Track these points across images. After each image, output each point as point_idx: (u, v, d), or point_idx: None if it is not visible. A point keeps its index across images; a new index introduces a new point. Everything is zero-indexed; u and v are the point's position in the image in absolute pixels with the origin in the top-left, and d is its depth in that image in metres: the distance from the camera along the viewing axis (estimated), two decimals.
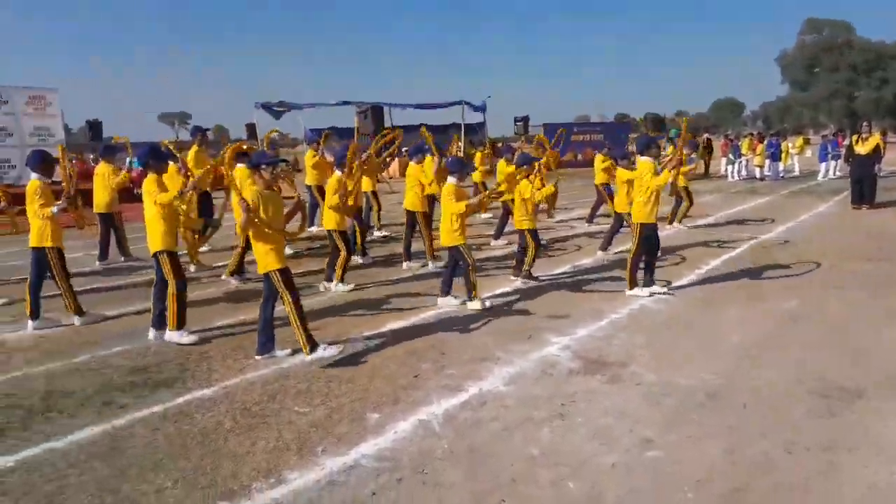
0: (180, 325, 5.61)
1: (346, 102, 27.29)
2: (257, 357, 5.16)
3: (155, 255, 5.62)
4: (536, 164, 7.66)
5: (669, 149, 21.06)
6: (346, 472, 3.49)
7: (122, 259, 9.39)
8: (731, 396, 4.36)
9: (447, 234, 6.45)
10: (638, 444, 3.75)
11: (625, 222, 8.75)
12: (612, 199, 10.25)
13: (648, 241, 6.87)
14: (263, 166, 5.10)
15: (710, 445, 3.71)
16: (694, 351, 5.26)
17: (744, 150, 22.04)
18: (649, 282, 6.98)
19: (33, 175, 6.13)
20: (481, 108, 29.38)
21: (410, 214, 8.70)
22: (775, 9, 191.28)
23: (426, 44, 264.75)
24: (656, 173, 6.72)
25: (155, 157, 5.72)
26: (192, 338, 5.61)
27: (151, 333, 5.74)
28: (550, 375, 4.80)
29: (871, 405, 4.17)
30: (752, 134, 26.03)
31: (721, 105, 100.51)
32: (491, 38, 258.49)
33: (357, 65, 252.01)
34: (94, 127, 27.88)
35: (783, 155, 22.01)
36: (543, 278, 7.80)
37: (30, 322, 6.13)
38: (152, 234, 5.60)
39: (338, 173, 7.36)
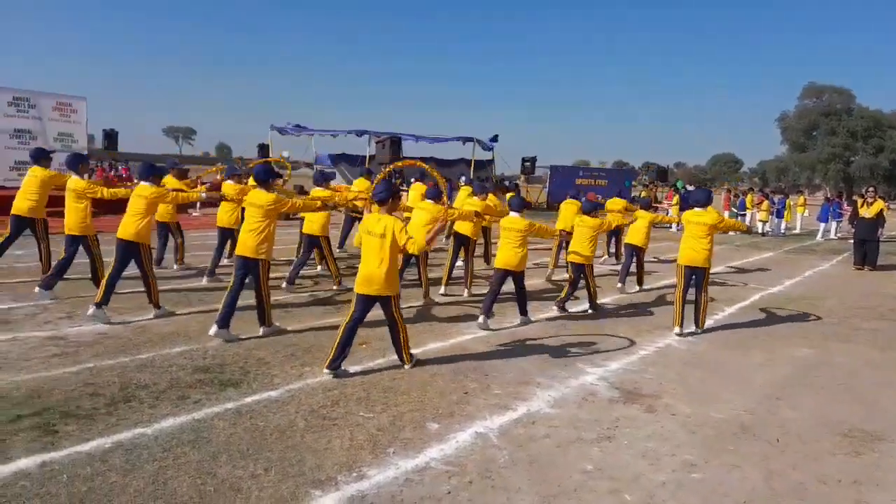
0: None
1: (361, 132, 27.93)
2: (326, 371, 5.37)
3: (257, 261, 6.14)
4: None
5: (675, 198, 21.84)
6: (420, 473, 3.80)
7: (175, 266, 9.69)
8: (763, 431, 4.71)
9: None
10: (682, 466, 4.09)
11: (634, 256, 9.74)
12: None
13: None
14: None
15: (750, 472, 4.05)
16: (721, 388, 5.62)
17: (748, 206, 22.65)
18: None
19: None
20: (490, 147, 30.11)
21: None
22: (777, 71, 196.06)
23: (436, 79, 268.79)
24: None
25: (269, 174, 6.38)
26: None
27: (213, 329, 6.09)
28: (592, 402, 5.14)
29: (894, 447, 4.52)
30: (752, 189, 26.78)
31: (719, 159, 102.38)
32: (498, 79, 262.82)
33: (367, 100, 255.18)
34: (110, 137, 28.27)
35: (786, 212, 22.63)
36: (573, 312, 8.17)
37: (93, 307, 6.45)
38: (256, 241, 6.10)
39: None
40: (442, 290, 8.93)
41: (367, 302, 5.47)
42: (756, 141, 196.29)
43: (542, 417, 4.76)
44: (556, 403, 5.05)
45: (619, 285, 9.83)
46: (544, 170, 33.50)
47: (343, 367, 5.41)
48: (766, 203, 21.97)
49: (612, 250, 13.16)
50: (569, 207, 10.67)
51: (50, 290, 7.38)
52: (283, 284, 8.46)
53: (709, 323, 8.05)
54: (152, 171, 6.97)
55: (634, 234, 9.79)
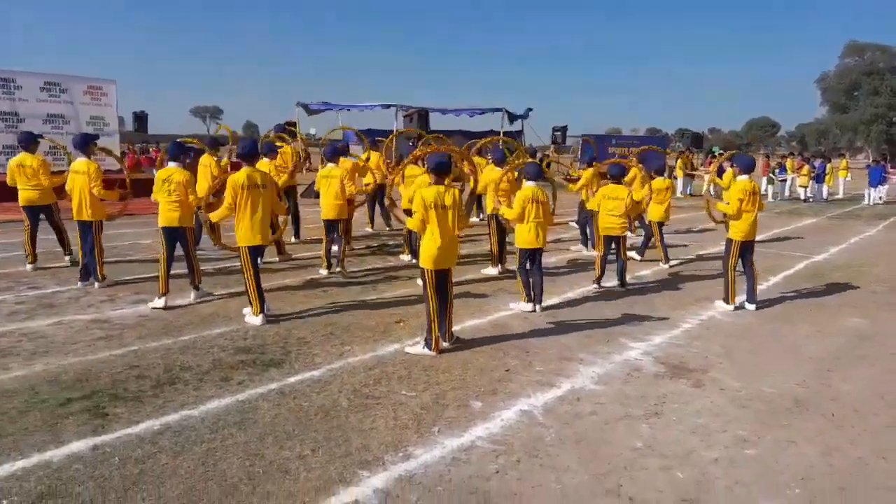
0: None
1: (387, 105, 27.73)
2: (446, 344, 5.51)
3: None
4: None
5: (712, 165, 21.30)
6: (467, 452, 3.76)
7: (214, 246, 9.75)
8: (817, 405, 4.57)
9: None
10: (735, 442, 3.98)
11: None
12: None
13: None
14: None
15: (806, 448, 3.92)
16: (771, 361, 5.46)
17: (788, 171, 22.03)
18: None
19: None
20: (521, 116, 29.66)
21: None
22: (815, 30, 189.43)
23: (469, 55, 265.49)
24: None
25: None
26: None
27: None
28: (637, 378, 5.03)
29: None
30: (792, 154, 26.01)
31: (755, 124, 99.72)
32: (529, 50, 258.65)
33: (397, 71, 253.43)
34: (140, 119, 28.53)
35: (828, 177, 21.95)
36: (609, 287, 8.02)
37: (161, 298, 6.60)
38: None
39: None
40: (499, 268, 8.67)
41: (443, 276, 5.42)
42: (794, 104, 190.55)
43: (587, 394, 4.68)
44: (600, 380, 4.96)
45: (639, 258, 9.73)
46: (576, 139, 33.02)
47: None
48: (806, 168, 21.34)
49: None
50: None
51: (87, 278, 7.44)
52: (321, 271, 8.34)
53: None
54: (181, 150, 6.91)
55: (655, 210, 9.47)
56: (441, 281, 5.43)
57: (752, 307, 7.06)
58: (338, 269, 8.26)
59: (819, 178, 21.55)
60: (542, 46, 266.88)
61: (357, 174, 9.68)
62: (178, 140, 7.66)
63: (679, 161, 23.37)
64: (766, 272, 9.11)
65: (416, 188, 6.46)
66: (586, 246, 10.49)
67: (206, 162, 9.16)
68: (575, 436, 4.01)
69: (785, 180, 22.30)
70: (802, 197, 21.48)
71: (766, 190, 22.69)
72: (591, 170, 9.99)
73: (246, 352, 5.34)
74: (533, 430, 4.07)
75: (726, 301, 7.07)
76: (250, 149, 6.17)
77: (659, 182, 9.35)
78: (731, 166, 7.52)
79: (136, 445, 3.70)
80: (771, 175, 22.48)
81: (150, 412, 4.14)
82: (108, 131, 20.03)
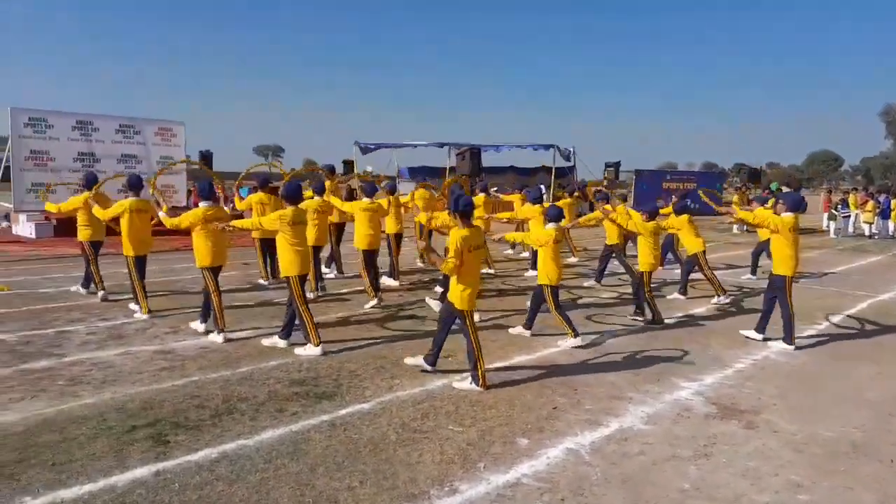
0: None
1: (441, 144, 28.25)
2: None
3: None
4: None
5: (770, 201, 20.82)
6: (512, 489, 3.80)
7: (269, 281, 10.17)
8: (875, 450, 4.43)
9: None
10: (788, 486, 3.90)
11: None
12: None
13: None
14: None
15: (863, 495, 3.82)
16: (828, 404, 5.32)
17: (851, 206, 21.34)
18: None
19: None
20: (566, 155, 29.71)
21: None
22: (879, 61, 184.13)
23: (516, 85, 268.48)
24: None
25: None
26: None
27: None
28: (687, 418, 4.98)
29: None
30: (856, 189, 25.20)
31: (816, 158, 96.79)
32: (581, 82, 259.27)
33: (447, 105, 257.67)
34: (206, 157, 29.86)
35: (893, 213, 21.15)
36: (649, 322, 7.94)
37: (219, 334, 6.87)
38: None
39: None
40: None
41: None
42: (857, 137, 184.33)
43: (635, 434, 4.65)
44: (649, 419, 4.92)
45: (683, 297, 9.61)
46: (629, 174, 32.80)
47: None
48: (870, 203, 20.63)
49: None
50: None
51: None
52: (368, 305, 8.58)
53: (810, 333, 7.67)
54: (210, 191, 7.08)
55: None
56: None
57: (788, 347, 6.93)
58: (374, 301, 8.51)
59: (885, 214, 20.78)
60: (592, 86, 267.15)
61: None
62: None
63: (735, 197, 22.93)
64: (826, 311, 8.86)
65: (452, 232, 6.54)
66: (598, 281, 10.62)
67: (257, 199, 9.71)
68: (621, 476, 4.00)
69: (848, 216, 21.57)
70: (867, 233, 20.72)
71: (827, 226, 22.00)
72: (621, 206, 10.03)
73: (300, 384, 5.52)
74: (579, 469, 4.08)
75: (788, 342, 6.90)
76: (294, 190, 6.57)
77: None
78: (777, 202, 7.41)
79: (195, 472, 3.88)
80: (833, 211, 21.79)
81: (209, 440, 4.34)
82: (177, 170, 21.05)
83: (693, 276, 9.77)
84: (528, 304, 7.30)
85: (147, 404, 4.97)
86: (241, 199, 10.10)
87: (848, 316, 8.71)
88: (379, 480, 3.84)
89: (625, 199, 10.47)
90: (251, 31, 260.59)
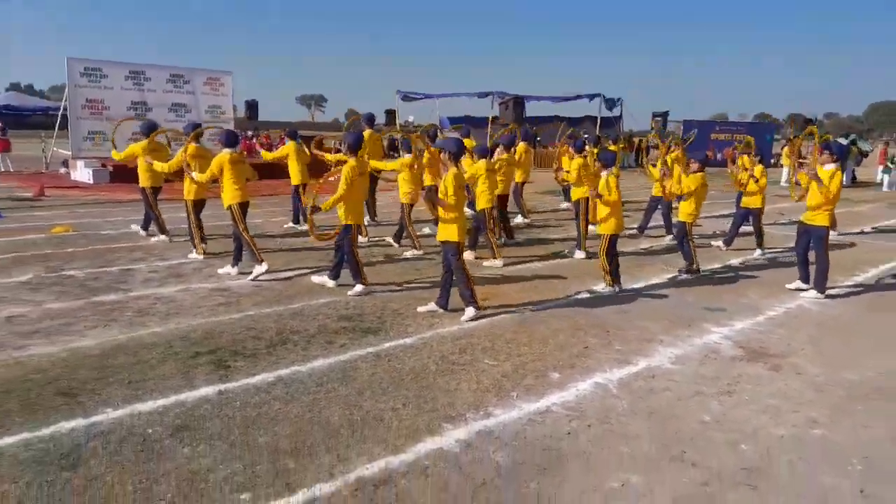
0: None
1: (485, 94, 28.09)
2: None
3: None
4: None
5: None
6: (542, 415, 4.10)
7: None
8: None
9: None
10: (805, 422, 4.10)
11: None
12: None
13: None
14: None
15: (876, 431, 4.00)
16: (857, 351, 5.45)
17: None
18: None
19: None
20: (612, 105, 29.21)
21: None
22: None
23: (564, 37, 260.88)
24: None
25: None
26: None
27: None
28: (714, 360, 5.19)
29: None
30: None
31: (879, 108, 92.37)
32: (630, 35, 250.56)
33: (493, 56, 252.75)
34: (252, 107, 30.31)
35: None
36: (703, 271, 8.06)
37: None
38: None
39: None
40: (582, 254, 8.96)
41: None
42: None
43: (662, 372, 4.89)
44: (677, 360, 5.15)
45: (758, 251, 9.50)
46: (677, 124, 32.11)
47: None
48: None
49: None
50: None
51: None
52: (409, 253, 8.82)
53: (848, 284, 7.72)
54: (234, 139, 7.55)
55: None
56: None
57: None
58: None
59: None
60: (646, 30, 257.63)
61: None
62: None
63: (785, 149, 22.29)
64: (868, 263, 8.83)
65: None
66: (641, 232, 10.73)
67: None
68: (647, 409, 4.26)
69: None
70: None
71: (881, 179, 21.34)
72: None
73: (347, 319, 5.89)
74: (606, 402, 4.35)
75: (821, 290, 6.98)
76: (357, 140, 6.78)
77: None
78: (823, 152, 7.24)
79: (253, 393, 4.29)
80: (889, 164, 21.09)
81: (265, 367, 4.74)
82: (225, 119, 21.53)
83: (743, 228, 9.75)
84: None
85: (208, 334, 5.41)
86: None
87: (890, 269, 8.65)
88: (420, 404, 4.19)
89: (683, 145, 10.35)
90: None
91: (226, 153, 7.24)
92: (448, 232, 5.96)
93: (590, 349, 5.34)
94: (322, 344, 5.25)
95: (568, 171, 9.71)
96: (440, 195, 5.93)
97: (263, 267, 7.26)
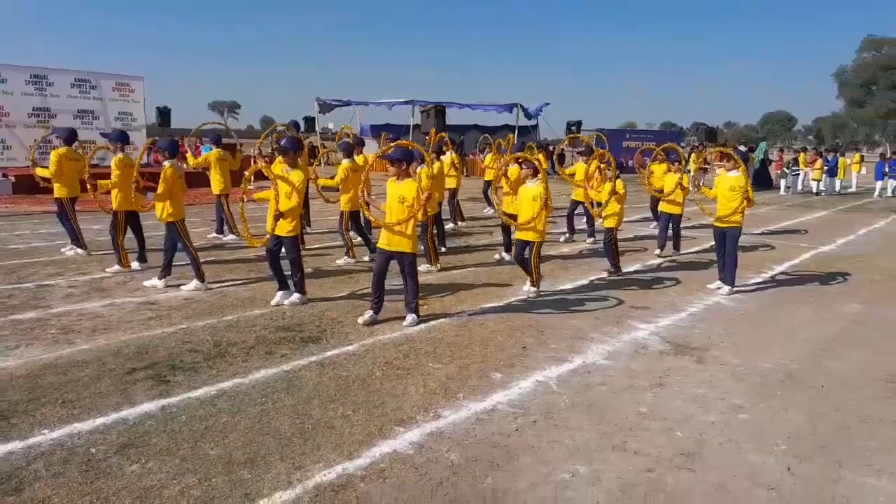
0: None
1: (407, 102, 28.20)
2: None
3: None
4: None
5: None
6: (489, 413, 4.24)
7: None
8: (809, 379, 5.00)
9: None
10: (731, 409, 4.43)
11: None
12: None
13: None
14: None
15: (795, 414, 4.37)
16: (770, 342, 5.89)
17: (801, 165, 22.26)
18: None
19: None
20: (534, 114, 30.00)
21: None
22: (833, 24, 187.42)
23: (482, 47, 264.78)
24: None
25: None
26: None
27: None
28: (644, 354, 5.49)
29: None
30: (805, 148, 26.18)
31: (771, 118, 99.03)
32: (547, 47, 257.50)
33: (413, 65, 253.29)
34: (164, 114, 29.22)
35: (840, 171, 22.16)
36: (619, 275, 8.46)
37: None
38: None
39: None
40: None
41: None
42: (811, 98, 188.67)
43: (597, 368, 5.14)
44: (609, 356, 5.41)
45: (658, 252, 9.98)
46: (590, 133, 33.29)
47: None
48: (819, 162, 21.56)
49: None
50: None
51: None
52: (341, 261, 8.83)
53: (756, 281, 8.29)
54: (175, 149, 7.38)
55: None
56: None
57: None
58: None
59: (831, 172, 21.76)
60: (558, 43, 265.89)
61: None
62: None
63: (692, 156, 23.59)
64: (772, 261, 9.52)
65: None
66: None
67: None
68: (586, 402, 4.47)
69: (798, 174, 22.52)
70: (814, 190, 21.71)
71: (778, 183, 22.95)
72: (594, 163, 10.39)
73: (285, 329, 5.84)
74: (548, 398, 4.54)
75: (731, 285, 7.51)
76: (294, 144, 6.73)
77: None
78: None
79: (197, 406, 4.21)
80: (785, 169, 22.72)
81: (206, 380, 4.65)
82: (136, 126, 20.68)
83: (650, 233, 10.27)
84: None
85: (142, 349, 5.24)
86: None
87: (791, 266, 9.37)
88: (370, 409, 4.23)
89: (590, 153, 10.75)
90: None
91: (170, 164, 7.04)
92: (404, 242, 6.01)
93: (527, 349, 5.53)
94: (262, 355, 5.20)
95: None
96: (408, 202, 5.92)
97: (203, 285, 7.11)
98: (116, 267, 7.95)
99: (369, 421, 4.06)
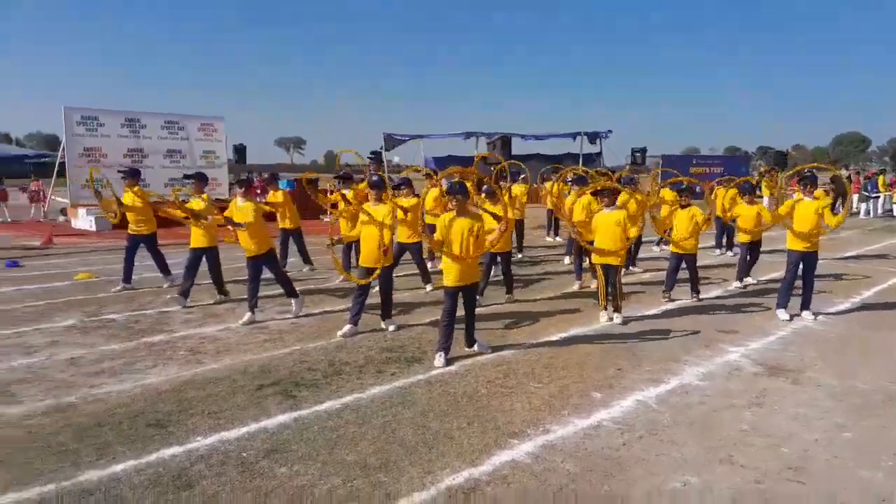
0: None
1: (470, 134, 28.88)
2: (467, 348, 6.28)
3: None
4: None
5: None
6: (595, 429, 4.49)
7: (306, 268, 10.92)
8: None
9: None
10: (833, 427, 4.54)
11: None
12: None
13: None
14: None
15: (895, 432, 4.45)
16: (864, 364, 5.93)
17: (880, 187, 21.63)
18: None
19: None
20: (595, 139, 30.16)
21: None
22: None
23: (546, 76, 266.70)
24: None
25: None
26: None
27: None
28: (738, 376, 5.63)
29: None
30: (884, 171, 25.37)
31: (843, 139, 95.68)
32: (610, 72, 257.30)
33: (475, 99, 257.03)
34: (240, 151, 30.76)
35: None
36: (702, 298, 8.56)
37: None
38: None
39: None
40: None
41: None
42: (885, 117, 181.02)
43: (694, 388, 5.32)
44: (704, 377, 5.58)
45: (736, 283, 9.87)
46: (655, 160, 33.13)
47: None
48: None
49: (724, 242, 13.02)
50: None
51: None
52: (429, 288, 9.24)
53: (845, 306, 8.25)
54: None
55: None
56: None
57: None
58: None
59: None
60: (620, 67, 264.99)
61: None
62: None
63: (764, 181, 23.22)
64: (858, 286, 9.41)
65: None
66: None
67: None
68: (687, 420, 4.67)
69: (878, 197, 21.86)
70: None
71: (857, 207, 22.30)
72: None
73: (389, 351, 6.25)
74: (650, 415, 4.76)
75: (809, 307, 7.60)
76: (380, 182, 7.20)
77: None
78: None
79: (326, 418, 4.62)
80: (863, 192, 22.09)
81: (329, 394, 5.08)
82: (219, 163, 21.96)
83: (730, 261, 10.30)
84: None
85: (264, 368, 5.73)
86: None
87: (880, 290, 9.25)
88: (482, 423, 4.56)
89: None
90: (263, 29, 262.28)
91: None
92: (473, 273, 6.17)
93: (623, 371, 5.75)
94: (373, 373, 5.60)
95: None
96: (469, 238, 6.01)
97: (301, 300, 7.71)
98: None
99: (484, 433, 4.38)
